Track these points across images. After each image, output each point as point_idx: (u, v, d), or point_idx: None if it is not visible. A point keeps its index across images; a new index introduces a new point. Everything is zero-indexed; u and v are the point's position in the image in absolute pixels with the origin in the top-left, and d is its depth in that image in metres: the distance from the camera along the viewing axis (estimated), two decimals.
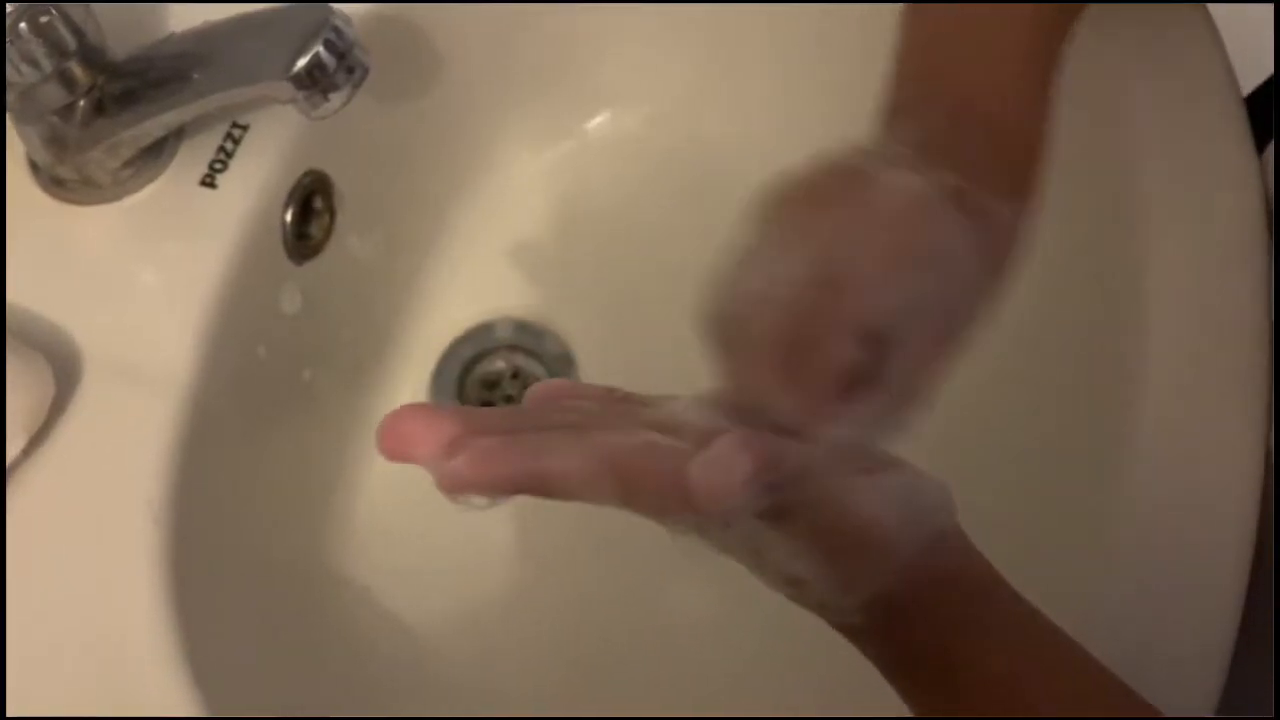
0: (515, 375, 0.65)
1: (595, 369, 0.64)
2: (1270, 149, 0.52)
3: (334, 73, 0.43)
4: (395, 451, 0.30)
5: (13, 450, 0.45)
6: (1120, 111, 0.53)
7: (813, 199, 0.34)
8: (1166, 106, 0.53)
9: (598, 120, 0.67)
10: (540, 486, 0.30)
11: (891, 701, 0.49)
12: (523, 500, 0.62)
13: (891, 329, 0.32)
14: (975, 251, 0.34)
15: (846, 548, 0.32)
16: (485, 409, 0.36)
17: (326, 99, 0.43)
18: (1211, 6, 0.55)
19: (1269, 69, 0.57)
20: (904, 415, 0.34)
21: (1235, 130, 0.52)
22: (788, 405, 0.32)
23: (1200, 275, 0.49)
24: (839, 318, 0.32)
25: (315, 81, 0.43)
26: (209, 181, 0.51)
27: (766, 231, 0.34)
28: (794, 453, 0.31)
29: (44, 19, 0.44)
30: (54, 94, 0.46)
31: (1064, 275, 0.54)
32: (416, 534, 0.60)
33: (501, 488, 0.30)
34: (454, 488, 0.29)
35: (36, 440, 0.46)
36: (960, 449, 0.37)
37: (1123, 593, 0.45)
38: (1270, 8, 0.52)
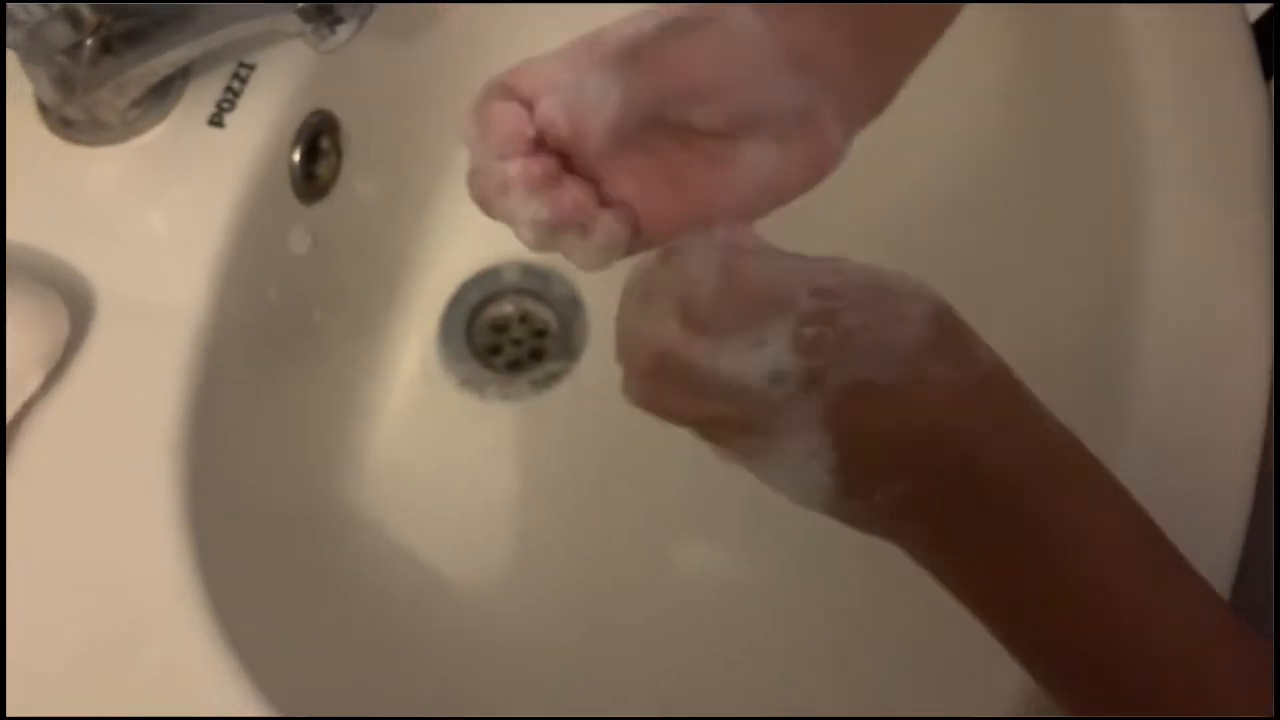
0: (523, 319, 0.65)
1: (603, 311, 0.64)
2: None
3: (341, 4, 0.43)
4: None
5: (30, 386, 0.45)
6: (1126, 38, 0.53)
7: None
8: (1174, 33, 0.53)
9: None
10: None
11: (902, 673, 0.50)
12: (531, 438, 0.63)
13: None
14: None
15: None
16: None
17: (334, 31, 0.43)
18: None
19: None
20: None
21: (1242, 55, 0.52)
22: None
23: (1205, 196, 0.50)
24: None
25: (322, 14, 0.43)
26: (217, 121, 0.51)
27: None
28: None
29: None
30: (61, 33, 0.46)
31: (1072, 192, 0.54)
32: (428, 471, 0.60)
33: None
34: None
35: (53, 377, 0.46)
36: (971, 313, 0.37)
37: (1134, 459, 0.45)
38: None
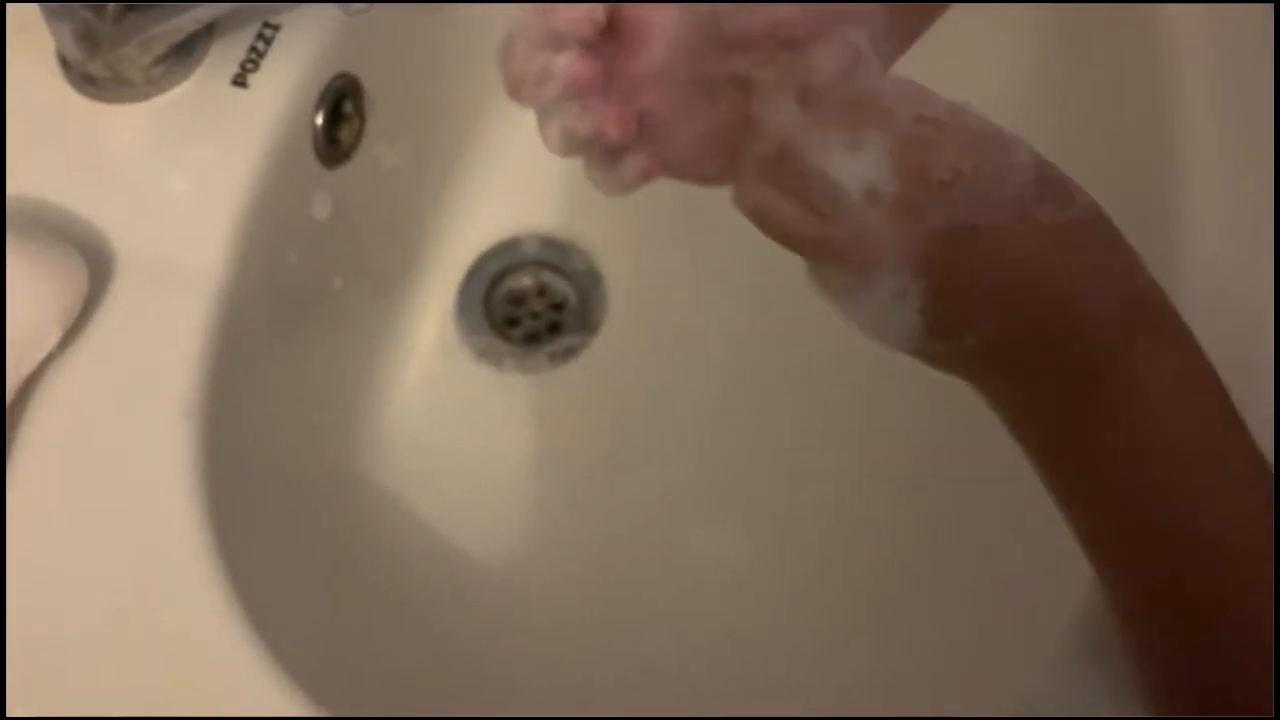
0: (541, 292, 0.65)
1: (622, 285, 0.64)
2: None
3: None
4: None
5: (49, 343, 0.45)
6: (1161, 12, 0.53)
7: None
8: (1207, 31, 0.53)
9: None
10: None
11: (911, 665, 0.50)
12: (547, 412, 0.63)
13: None
14: None
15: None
16: None
17: None
18: None
19: None
20: None
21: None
22: None
23: (1240, 217, 0.50)
24: None
25: None
26: (241, 81, 0.51)
27: None
28: None
29: None
30: None
31: (1106, 169, 0.54)
32: (444, 442, 0.60)
33: None
34: None
35: (72, 333, 0.46)
36: None
37: None
38: None
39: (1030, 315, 0.35)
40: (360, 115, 0.56)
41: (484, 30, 0.62)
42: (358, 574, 0.55)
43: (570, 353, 0.63)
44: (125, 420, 0.46)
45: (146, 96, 0.50)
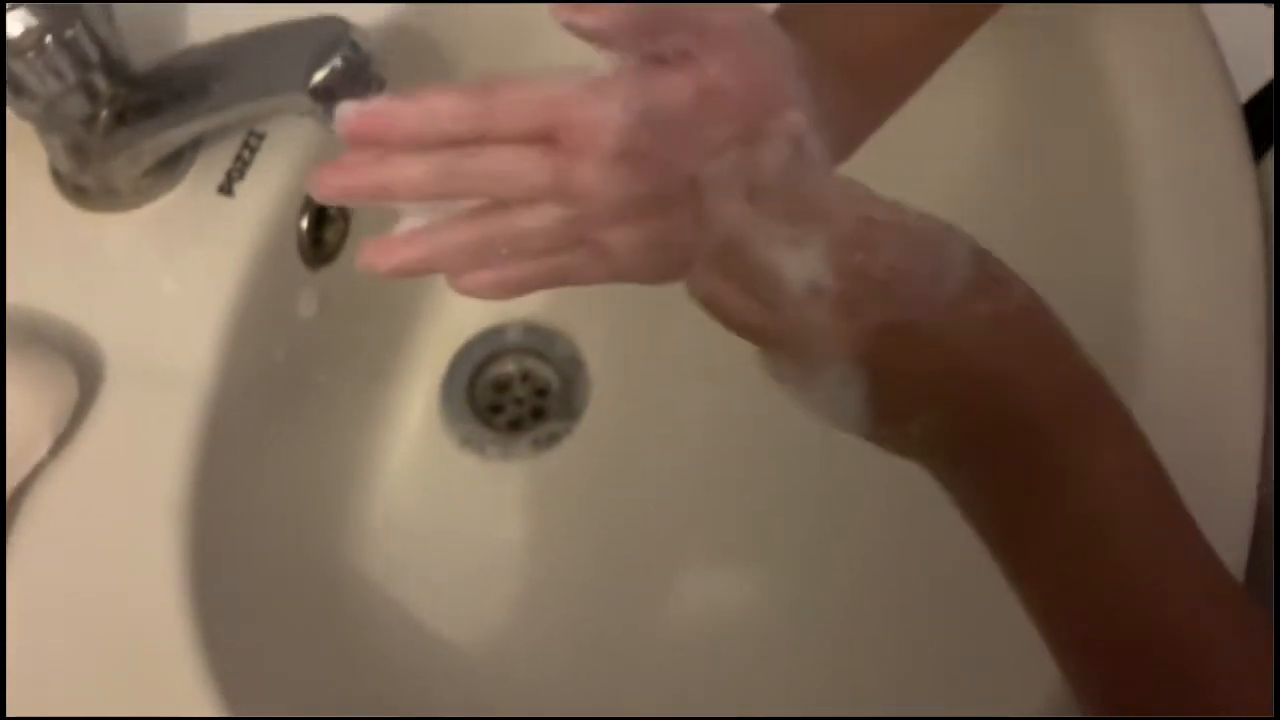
0: (525, 378, 0.66)
1: (605, 371, 0.65)
2: (1269, 157, 0.52)
3: (351, 86, 0.44)
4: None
5: (39, 451, 0.46)
6: (1116, 119, 0.54)
7: None
8: (1163, 113, 0.54)
9: None
10: None
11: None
12: (531, 498, 0.64)
13: None
14: None
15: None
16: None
17: None
18: (1208, 9, 0.56)
19: (1267, 74, 0.58)
20: None
21: (1232, 137, 0.53)
22: None
23: (1199, 286, 0.51)
24: None
25: (333, 95, 0.44)
26: (226, 189, 0.52)
27: None
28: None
29: (69, 32, 0.45)
30: (77, 105, 0.47)
31: (1067, 232, 0.55)
32: (429, 530, 0.61)
33: None
34: None
35: (61, 442, 0.47)
36: None
37: None
38: (1265, 11, 0.53)
39: (969, 404, 0.37)
40: (344, 216, 0.57)
41: None
42: (345, 664, 0.55)
43: (553, 439, 0.64)
44: (115, 523, 0.47)
45: (136, 206, 0.51)
